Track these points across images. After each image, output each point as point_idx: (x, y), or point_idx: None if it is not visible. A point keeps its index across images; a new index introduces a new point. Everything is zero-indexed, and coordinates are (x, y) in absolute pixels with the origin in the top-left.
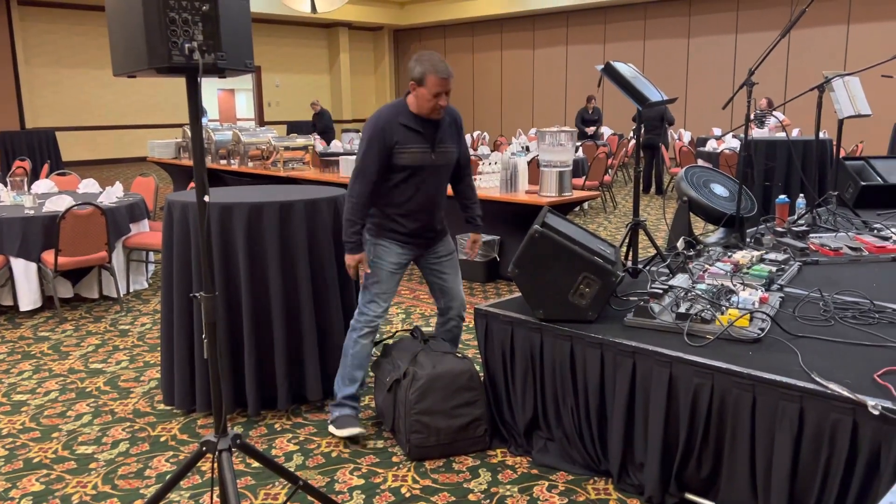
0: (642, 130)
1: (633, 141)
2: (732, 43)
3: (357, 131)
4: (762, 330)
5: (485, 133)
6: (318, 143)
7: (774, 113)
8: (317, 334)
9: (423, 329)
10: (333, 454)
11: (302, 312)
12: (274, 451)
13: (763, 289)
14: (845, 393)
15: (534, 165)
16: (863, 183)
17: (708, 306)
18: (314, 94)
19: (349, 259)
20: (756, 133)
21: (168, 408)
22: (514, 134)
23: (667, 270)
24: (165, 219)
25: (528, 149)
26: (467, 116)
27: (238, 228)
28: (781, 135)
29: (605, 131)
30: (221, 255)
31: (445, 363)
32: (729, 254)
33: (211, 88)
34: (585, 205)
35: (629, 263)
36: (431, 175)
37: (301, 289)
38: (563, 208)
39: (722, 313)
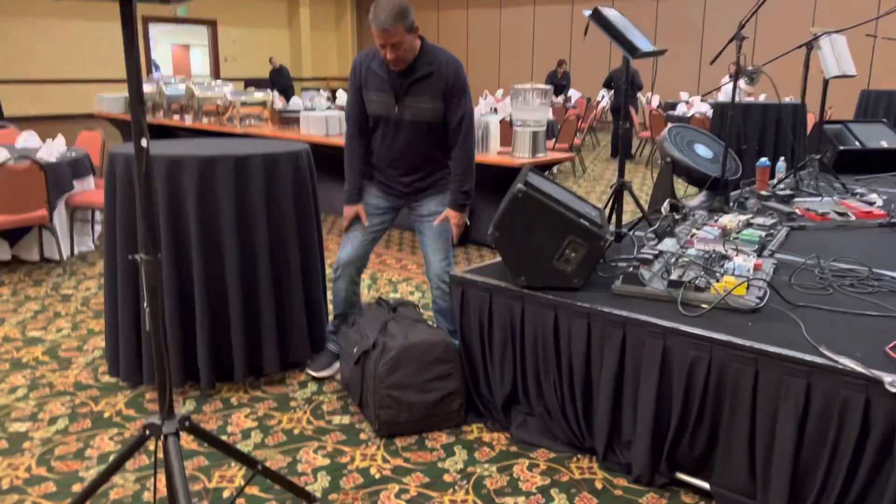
0: (611, 94)
1: (602, 104)
2: (702, 5)
3: (318, 90)
4: (760, 299)
5: None
6: (278, 100)
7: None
8: (275, 301)
9: (392, 301)
10: (296, 431)
11: (259, 277)
12: (230, 429)
13: (755, 255)
14: (858, 368)
15: (505, 125)
16: (841, 147)
17: (702, 273)
18: (272, 51)
19: (346, 210)
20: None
21: (113, 380)
22: (480, 95)
23: (653, 235)
24: (107, 173)
25: (495, 110)
26: None
27: (188, 184)
28: (749, 99)
29: (573, 94)
30: (169, 213)
31: (418, 333)
32: (715, 218)
33: (165, 43)
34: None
35: (613, 227)
36: (397, 129)
37: (258, 251)
38: (538, 169)
39: (717, 280)
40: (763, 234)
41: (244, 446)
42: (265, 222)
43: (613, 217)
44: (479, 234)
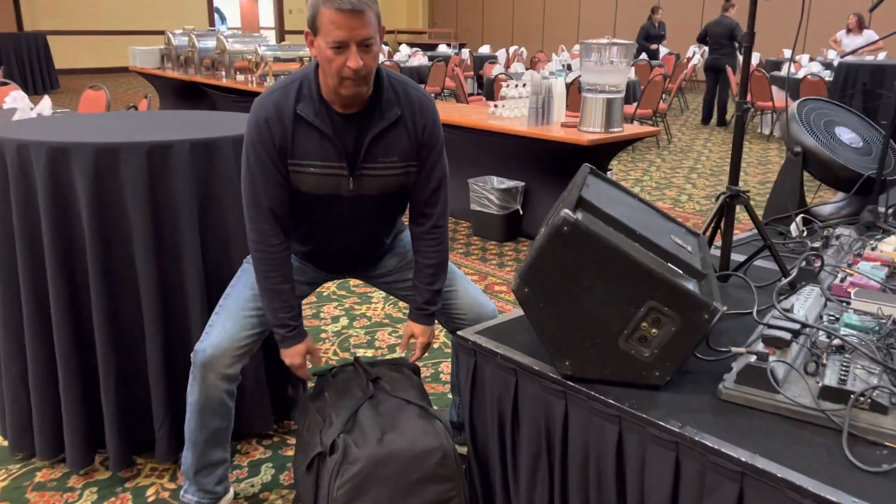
0: (703, 50)
1: (693, 61)
2: None
3: (385, 44)
4: None
5: (522, 49)
6: None
7: (867, 30)
8: None
9: (371, 362)
10: None
11: (188, 313)
12: None
13: None
14: None
15: (574, 89)
16: None
17: (882, 375)
18: None
19: (285, 355)
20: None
21: (4, 443)
22: (555, 50)
23: (784, 283)
24: None
25: (569, 68)
26: (504, 28)
27: (79, 182)
28: (870, 58)
29: (661, 50)
30: (54, 222)
31: (402, 430)
32: (872, 243)
33: None
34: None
35: (715, 252)
36: (346, 209)
37: (187, 278)
38: (610, 148)
39: None
40: None
41: None
42: (196, 236)
43: (717, 235)
44: (533, 223)
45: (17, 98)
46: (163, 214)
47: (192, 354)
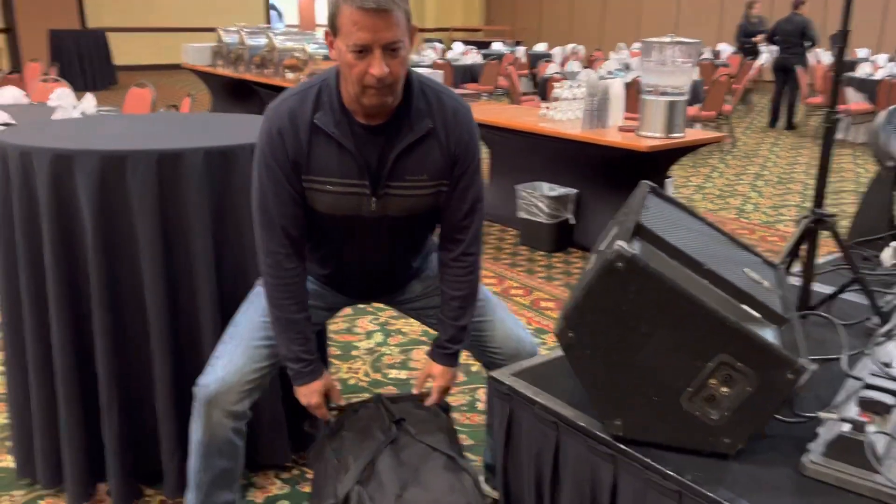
0: (771, 48)
1: (761, 61)
2: None
3: (439, 41)
4: None
5: (579, 47)
6: None
7: None
8: None
9: (394, 398)
10: None
11: (201, 335)
12: None
13: None
14: None
15: (633, 90)
16: None
17: None
18: None
19: (300, 393)
20: None
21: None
22: (614, 48)
23: (878, 321)
24: None
25: (628, 67)
26: (562, 25)
27: (82, 193)
28: None
29: (725, 49)
30: (56, 235)
31: (425, 483)
32: None
33: None
34: None
35: (795, 280)
36: (369, 231)
37: (199, 297)
38: (671, 155)
39: None
40: None
41: None
42: (209, 252)
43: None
44: (586, 234)
45: (61, 95)
46: (173, 228)
47: (194, 389)
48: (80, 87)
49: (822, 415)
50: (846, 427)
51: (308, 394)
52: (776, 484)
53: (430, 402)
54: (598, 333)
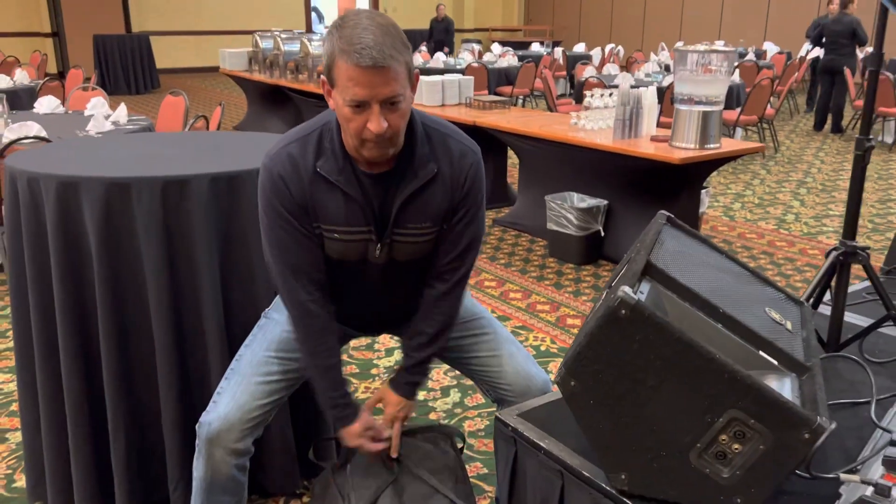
0: (813, 48)
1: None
2: None
3: (478, 42)
4: None
5: (619, 48)
6: (419, 56)
7: None
8: None
9: (405, 430)
10: None
11: (208, 364)
12: None
13: None
14: None
15: (670, 95)
16: None
17: None
18: None
19: (341, 437)
20: None
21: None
22: (655, 49)
23: None
24: (8, 201)
25: (667, 69)
26: (602, 25)
27: (88, 220)
28: None
29: (770, 48)
30: (63, 263)
31: None
32: None
33: None
34: None
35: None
36: (373, 275)
37: (206, 324)
38: (705, 166)
39: None
40: None
41: None
42: (215, 276)
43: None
44: (616, 246)
45: (95, 105)
46: (179, 255)
47: (196, 426)
48: (122, 91)
49: (844, 476)
50: (868, 490)
51: (348, 438)
52: None
53: (383, 437)
54: (601, 383)
